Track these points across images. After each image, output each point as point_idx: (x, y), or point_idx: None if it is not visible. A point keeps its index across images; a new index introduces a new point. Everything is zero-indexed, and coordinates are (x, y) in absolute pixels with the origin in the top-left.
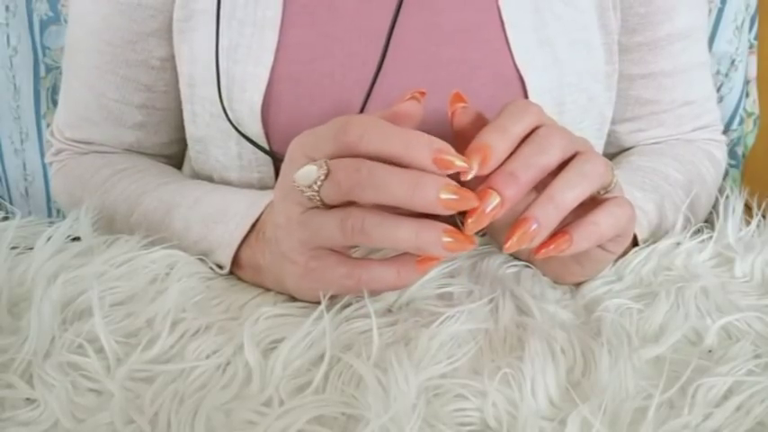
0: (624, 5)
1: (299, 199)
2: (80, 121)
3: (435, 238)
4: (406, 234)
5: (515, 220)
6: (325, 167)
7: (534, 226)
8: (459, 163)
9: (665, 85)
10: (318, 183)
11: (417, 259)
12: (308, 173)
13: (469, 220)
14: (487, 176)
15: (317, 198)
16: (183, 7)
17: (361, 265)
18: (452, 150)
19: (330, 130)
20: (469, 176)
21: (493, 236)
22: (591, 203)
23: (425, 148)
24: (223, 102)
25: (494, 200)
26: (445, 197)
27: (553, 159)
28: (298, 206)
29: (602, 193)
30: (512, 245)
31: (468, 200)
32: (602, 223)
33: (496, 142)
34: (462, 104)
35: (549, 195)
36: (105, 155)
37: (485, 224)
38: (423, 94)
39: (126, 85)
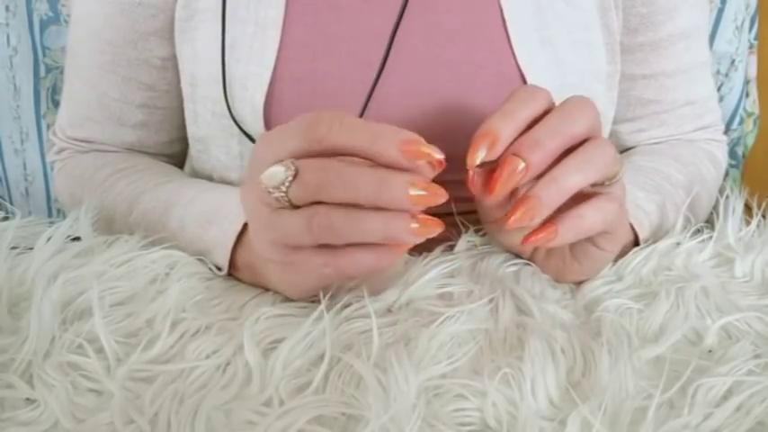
0: (626, 5)
1: (266, 200)
2: (82, 121)
3: (404, 224)
4: (373, 225)
5: (520, 198)
6: (293, 168)
7: (537, 203)
8: (427, 151)
9: (666, 86)
10: (286, 184)
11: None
12: (276, 174)
13: (497, 185)
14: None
15: (286, 199)
16: (185, 6)
17: (339, 251)
18: (421, 140)
19: (297, 127)
20: (477, 161)
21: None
22: (581, 196)
23: (392, 140)
24: (229, 101)
25: (519, 164)
26: (414, 193)
27: (579, 130)
28: (265, 207)
29: (606, 183)
30: (514, 221)
31: (438, 195)
32: (588, 217)
33: (503, 127)
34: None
35: (554, 177)
36: (106, 154)
37: (510, 188)
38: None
39: (127, 85)
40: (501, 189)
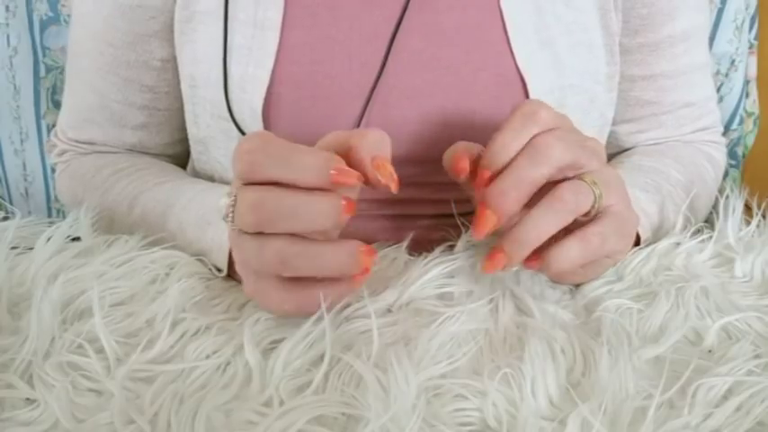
0: (626, 6)
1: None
2: (83, 123)
3: (348, 257)
4: (327, 261)
5: (491, 250)
6: (233, 198)
7: (503, 260)
8: (354, 181)
9: (665, 87)
10: (230, 216)
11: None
12: (222, 205)
13: (474, 234)
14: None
15: (237, 228)
16: (185, 8)
17: (299, 288)
18: (345, 167)
19: (240, 152)
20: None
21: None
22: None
23: (322, 171)
24: (229, 103)
25: (489, 216)
26: (345, 203)
27: (548, 171)
28: (232, 229)
29: (590, 215)
30: (483, 269)
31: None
32: (562, 258)
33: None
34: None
35: (517, 233)
36: (107, 155)
37: (486, 234)
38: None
39: (128, 87)
40: (478, 236)
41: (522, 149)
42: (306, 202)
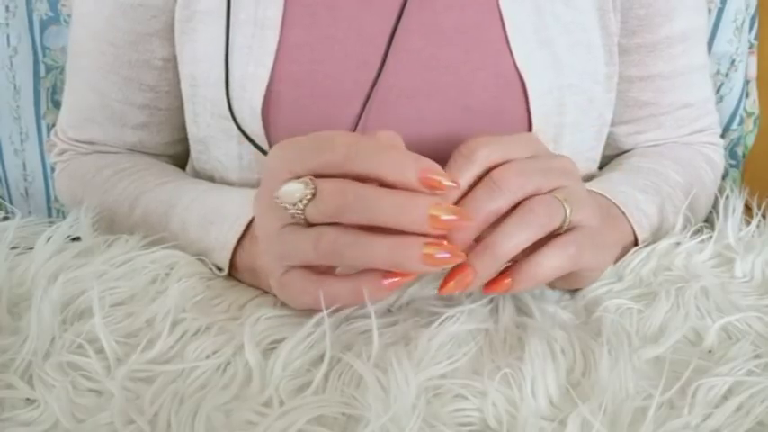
0: (624, 7)
1: (279, 214)
2: (83, 122)
3: (413, 251)
4: (379, 250)
5: (455, 266)
6: (312, 187)
7: (471, 276)
8: (446, 183)
9: (663, 88)
10: (304, 202)
11: (384, 274)
12: (294, 191)
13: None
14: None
15: (302, 216)
16: (185, 8)
17: (322, 282)
18: (439, 169)
19: (315, 145)
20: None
21: None
22: (541, 240)
23: (411, 169)
24: (230, 101)
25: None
26: (434, 213)
27: (504, 205)
28: (277, 221)
29: (563, 228)
30: (447, 290)
31: (462, 217)
32: (543, 266)
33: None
34: None
35: (487, 245)
36: (107, 155)
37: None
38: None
39: (128, 86)
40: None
41: (480, 183)
42: (389, 195)
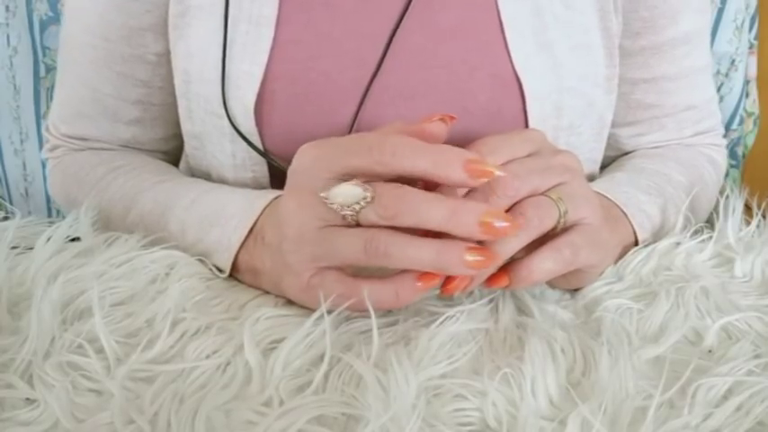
0: (628, 9)
1: (321, 214)
2: (75, 117)
3: (457, 256)
4: (427, 254)
5: None
6: (371, 191)
7: (466, 279)
8: (490, 169)
9: (667, 90)
10: (361, 204)
11: (418, 276)
12: (349, 193)
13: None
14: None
15: (354, 218)
16: (179, 2)
17: (359, 285)
18: (482, 158)
19: (357, 146)
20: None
21: None
22: (541, 238)
23: (456, 161)
24: (225, 99)
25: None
26: (487, 220)
27: (502, 204)
28: (317, 221)
29: (558, 227)
30: (448, 290)
31: (512, 226)
32: (537, 268)
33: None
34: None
35: (483, 248)
36: (101, 152)
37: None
38: (452, 118)
39: (122, 81)
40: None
41: (479, 187)
42: (443, 201)
